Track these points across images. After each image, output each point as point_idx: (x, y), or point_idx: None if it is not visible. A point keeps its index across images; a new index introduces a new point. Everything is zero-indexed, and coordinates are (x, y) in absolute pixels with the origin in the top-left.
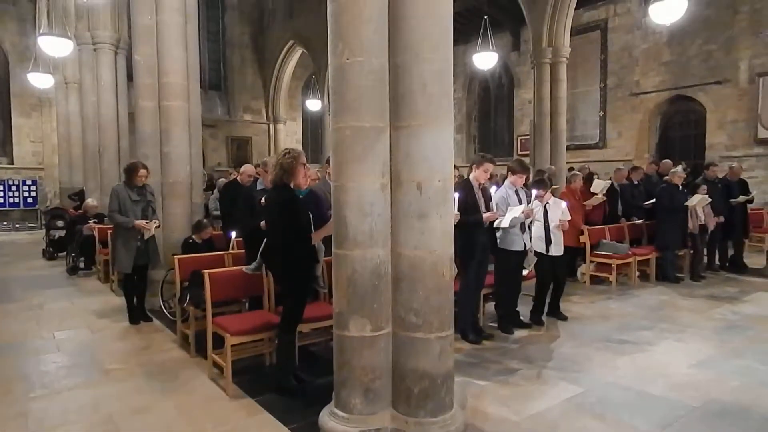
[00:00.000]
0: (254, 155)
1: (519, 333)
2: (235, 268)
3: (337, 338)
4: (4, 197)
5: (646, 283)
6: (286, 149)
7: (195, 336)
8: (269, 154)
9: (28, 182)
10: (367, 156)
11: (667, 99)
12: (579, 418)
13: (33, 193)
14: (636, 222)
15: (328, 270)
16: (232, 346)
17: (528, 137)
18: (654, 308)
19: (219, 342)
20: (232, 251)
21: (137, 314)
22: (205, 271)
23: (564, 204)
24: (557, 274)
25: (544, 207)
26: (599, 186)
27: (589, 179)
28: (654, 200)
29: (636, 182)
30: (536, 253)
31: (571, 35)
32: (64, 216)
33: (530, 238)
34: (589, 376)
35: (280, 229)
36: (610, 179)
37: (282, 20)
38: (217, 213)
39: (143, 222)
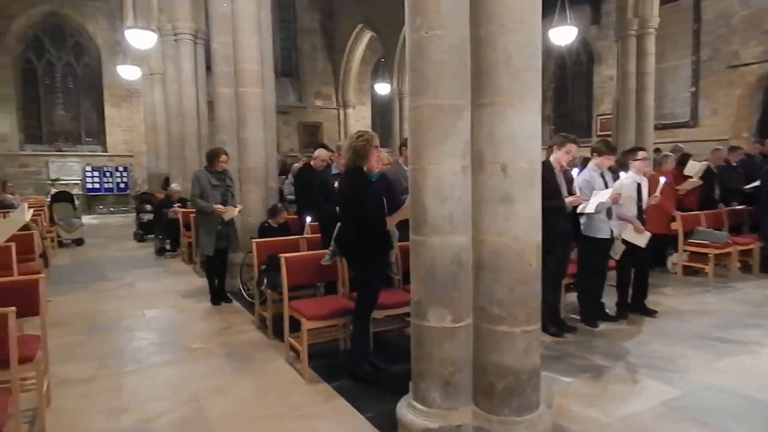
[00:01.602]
0: (325, 141)
1: (604, 326)
2: (310, 252)
3: (415, 328)
4: (99, 183)
5: (749, 276)
6: (359, 132)
7: (272, 318)
8: (339, 139)
9: (120, 169)
10: (446, 136)
11: None
12: (677, 423)
13: (125, 179)
14: (736, 208)
15: (402, 256)
16: (308, 330)
17: (610, 117)
18: (759, 304)
19: (295, 325)
20: (306, 235)
21: (218, 296)
22: (281, 255)
23: (662, 179)
24: (641, 261)
25: (638, 185)
26: (694, 168)
27: (682, 161)
28: (757, 183)
29: (735, 164)
30: (624, 241)
31: (659, 5)
32: (152, 200)
33: (617, 224)
34: (686, 377)
35: (353, 214)
36: (705, 161)
37: (351, 4)
38: (292, 197)
39: (221, 207)
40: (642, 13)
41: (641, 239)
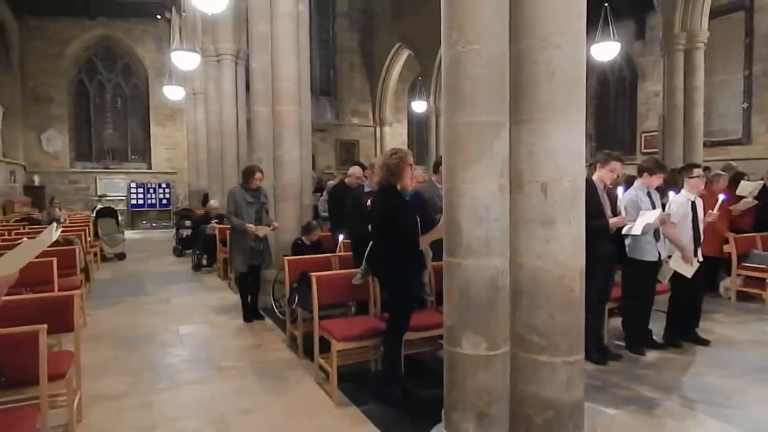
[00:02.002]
0: (361, 158)
1: (651, 355)
2: (341, 271)
3: (449, 354)
4: (144, 199)
5: None
6: (393, 149)
7: (303, 338)
8: (375, 157)
9: (163, 185)
10: (483, 154)
11: None
12: None
13: (167, 196)
14: None
15: (436, 277)
16: (338, 351)
17: (655, 134)
18: None
19: (326, 345)
20: (339, 253)
21: (251, 313)
22: (312, 273)
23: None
24: (696, 287)
25: (692, 203)
26: (748, 188)
27: (735, 180)
28: None
29: None
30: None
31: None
32: (191, 216)
33: (666, 246)
34: (746, 414)
35: (386, 233)
36: (761, 179)
37: (389, 24)
38: (326, 215)
39: (252, 226)
40: (690, 27)
41: (688, 269)
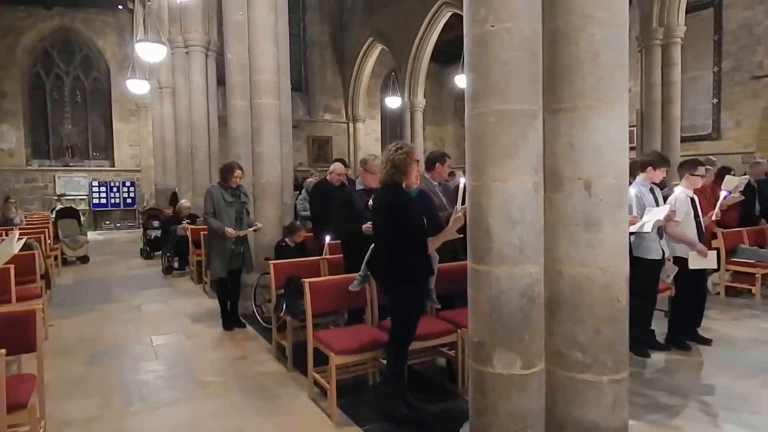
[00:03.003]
0: (334, 154)
1: (656, 357)
2: (336, 276)
3: (477, 374)
4: (107, 198)
5: None
6: (398, 144)
7: (293, 348)
8: (349, 153)
9: (128, 184)
10: (517, 147)
11: None
12: None
13: (132, 194)
14: None
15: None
16: (337, 366)
17: (633, 128)
18: None
19: (320, 357)
20: (327, 256)
21: (231, 320)
22: (305, 280)
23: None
24: (701, 285)
25: (692, 200)
26: (733, 183)
27: (721, 175)
28: None
29: None
30: (677, 260)
31: None
32: (159, 216)
33: (667, 243)
34: (767, 418)
35: (391, 236)
36: (744, 174)
37: (361, 18)
38: (306, 213)
39: (232, 231)
40: (668, 22)
41: (709, 261)
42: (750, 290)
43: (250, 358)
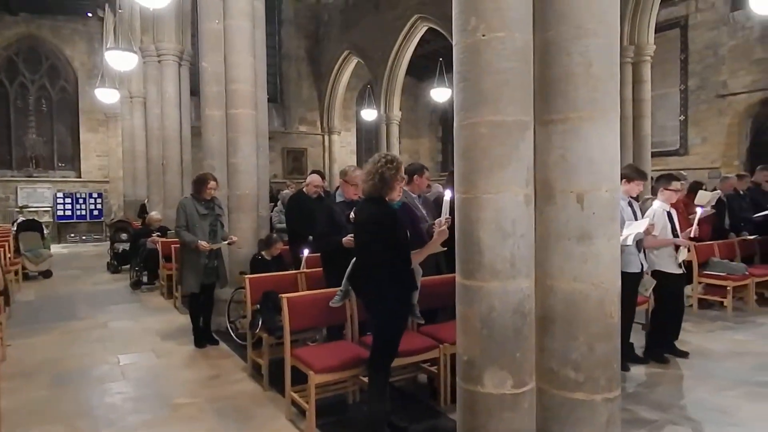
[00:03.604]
0: (309, 166)
1: (636, 370)
2: (315, 291)
3: (466, 394)
4: (72, 210)
5: (766, 309)
6: (386, 155)
7: (269, 367)
8: (324, 165)
9: (94, 195)
10: (509, 159)
11: (761, 100)
12: None
13: (99, 206)
14: (747, 238)
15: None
16: (316, 385)
17: None
18: None
19: (298, 376)
20: (305, 270)
21: (203, 336)
22: (283, 296)
23: (699, 209)
24: (680, 298)
25: (668, 213)
26: (706, 198)
27: (693, 189)
28: (767, 212)
29: (742, 192)
30: (656, 274)
31: None
32: (128, 229)
33: (645, 256)
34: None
35: (374, 250)
36: (714, 189)
37: (337, 31)
38: (282, 226)
39: (205, 244)
40: (638, 41)
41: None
42: (722, 302)
43: (224, 377)
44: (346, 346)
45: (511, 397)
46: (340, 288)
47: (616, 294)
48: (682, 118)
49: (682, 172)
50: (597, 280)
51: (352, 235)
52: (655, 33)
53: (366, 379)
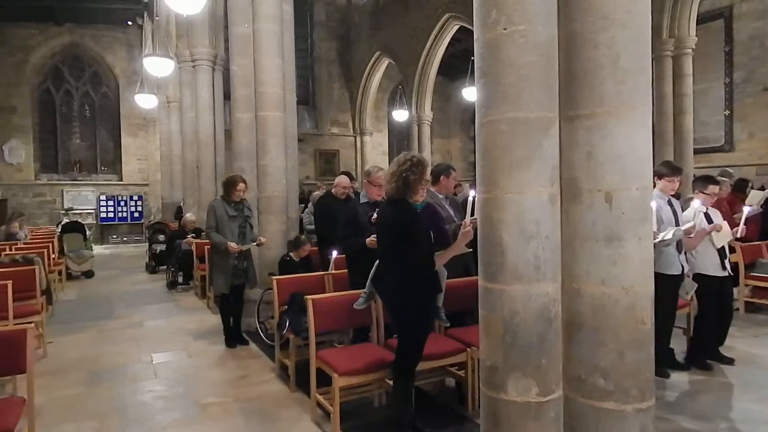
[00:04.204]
0: (341, 168)
1: (676, 377)
2: (340, 293)
3: (489, 402)
4: (114, 212)
5: None
6: (411, 156)
7: (295, 368)
8: (356, 167)
9: (135, 198)
10: (531, 157)
11: None
12: None
13: (139, 208)
14: None
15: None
16: (340, 388)
17: None
18: None
19: (324, 378)
20: (333, 272)
21: (234, 337)
22: (308, 297)
23: (747, 208)
24: (727, 300)
25: (705, 214)
26: (757, 197)
27: (740, 188)
28: None
29: None
30: (698, 277)
31: None
32: (165, 230)
33: (686, 258)
34: None
35: (397, 251)
36: (763, 187)
37: (368, 33)
38: (311, 227)
39: (234, 246)
40: (678, 33)
41: (726, 234)
42: None
43: (252, 378)
44: (371, 348)
45: (536, 405)
46: (364, 290)
47: (649, 299)
48: (727, 112)
49: (728, 169)
50: (627, 283)
51: (376, 236)
52: (698, 24)
53: (391, 383)
